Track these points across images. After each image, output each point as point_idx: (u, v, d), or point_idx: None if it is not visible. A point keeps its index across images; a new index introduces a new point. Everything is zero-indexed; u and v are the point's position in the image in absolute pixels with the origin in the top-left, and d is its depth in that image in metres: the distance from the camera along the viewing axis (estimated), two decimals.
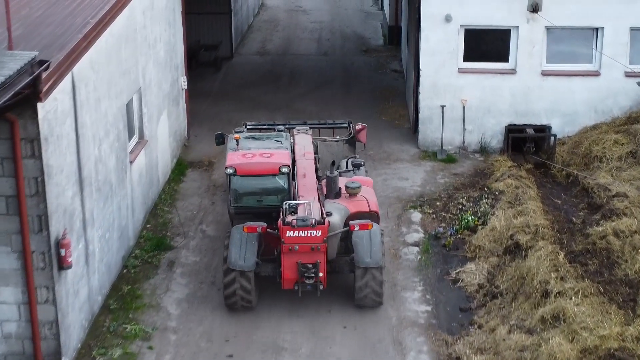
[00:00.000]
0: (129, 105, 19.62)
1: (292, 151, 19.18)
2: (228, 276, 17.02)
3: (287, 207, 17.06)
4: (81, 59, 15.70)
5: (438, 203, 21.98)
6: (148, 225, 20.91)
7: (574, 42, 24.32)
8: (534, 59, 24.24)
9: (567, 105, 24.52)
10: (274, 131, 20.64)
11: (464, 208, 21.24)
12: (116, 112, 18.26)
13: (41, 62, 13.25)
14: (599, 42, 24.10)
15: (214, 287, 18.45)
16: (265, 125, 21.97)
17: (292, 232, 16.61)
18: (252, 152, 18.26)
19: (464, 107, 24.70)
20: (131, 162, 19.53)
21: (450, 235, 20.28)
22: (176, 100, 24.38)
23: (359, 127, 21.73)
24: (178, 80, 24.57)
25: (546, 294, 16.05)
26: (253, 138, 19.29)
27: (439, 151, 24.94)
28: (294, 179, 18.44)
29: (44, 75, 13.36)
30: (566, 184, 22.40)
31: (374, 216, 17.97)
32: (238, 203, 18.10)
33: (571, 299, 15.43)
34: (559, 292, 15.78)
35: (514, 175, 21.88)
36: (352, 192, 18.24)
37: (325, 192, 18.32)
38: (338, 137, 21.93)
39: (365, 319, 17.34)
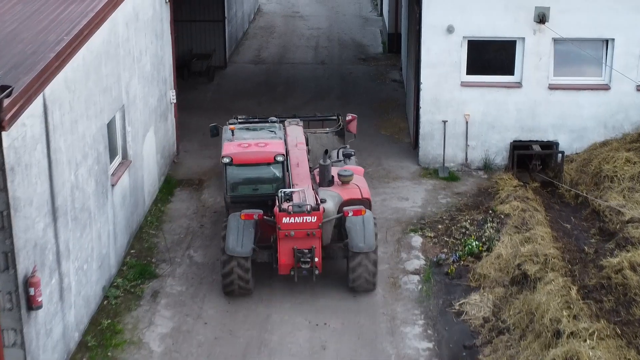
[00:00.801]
0: (110, 124, 18.41)
1: (285, 142, 19.46)
2: (226, 263, 17.39)
3: (283, 194, 17.42)
4: (54, 79, 14.50)
5: (440, 226, 20.77)
6: (132, 251, 19.69)
7: (583, 54, 23.10)
8: (540, 72, 23.04)
9: (575, 120, 23.31)
10: (267, 123, 20.87)
11: (467, 232, 20.02)
12: (96, 133, 17.04)
13: (3, 88, 12.03)
14: (609, 54, 22.89)
15: (199, 321, 17.23)
16: (256, 119, 22.13)
17: (288, 218, 17.00)
18: (248, 142, 18.65)
19: (466, 122, 23.50)
20: (113, 185, 18.30)
21: (453, 261, 19.06)
22: (164, 115, 23.16)
23: (349, 117, 22.16)
24: (166, 94, 23.35)
25: (558, 333, 14.80)
26: (247, 129, 19.68)
27: (440, 168, 23.73)
28: (287, 169, 18.68)
29: (6, 102, 12.13)
30: (575, 204, 21.21)
31: (365, 203, 18.42)
32: (234, 192, 18.46)
33: (585, 341, 14.18)
34: (571, 333, 14.53)
35: (520, 196, 20.68)
36: (345, 180, 18.77)
37: (318, 181, 18.85)
38: (327, 129, 22.36)
39: (363, 358, 16.13)
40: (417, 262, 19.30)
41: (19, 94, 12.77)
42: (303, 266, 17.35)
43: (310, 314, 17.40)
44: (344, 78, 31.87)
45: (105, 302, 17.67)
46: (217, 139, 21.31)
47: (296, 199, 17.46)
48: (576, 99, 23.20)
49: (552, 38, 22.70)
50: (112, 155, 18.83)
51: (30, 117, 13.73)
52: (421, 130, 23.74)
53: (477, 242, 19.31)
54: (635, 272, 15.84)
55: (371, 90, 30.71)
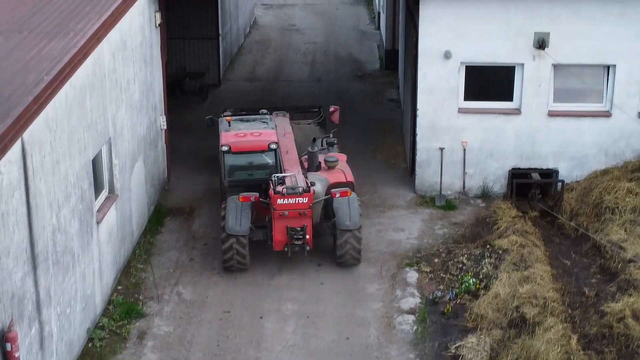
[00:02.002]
0: (96, 159, 17.84)
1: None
2: (225, 241, 19.12)
3: (276, 179, 19.28)
4: (33, 122, 13.92)
5: (436, 260, 20.19)
6: (119, 287, 19.11)
7: (584, 81, 22.52)
8: (540, 98, 22.45)
9: (575, 148, 22.73)
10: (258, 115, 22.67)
11: (464, 268, 19.43)
12: (79, 171, 16.45)
13: None
14: (610, 81, 22.31)
15: None
16: (244, 111, 23.98)
17: (282, 199, 18.84)
18: (244, 132, 20.59)
19: (464, 149, 22.91)
20: (99, 223, 17.72)
21: (450, 299, 18.49)
22: (154, 142, 22.57)
23: (331, 109, 24.05)
24: (156, 120, 22.76)
25: None
26: (242, 120, 21.62)
27: (437, 197, 23.15)
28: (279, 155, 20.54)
29: None
30: (575, 237, 20.60)
31: (349, 185, 20.39)
32: (231, 177, 20.30)
33: None
34: None
35: (518, 230, 20.09)
36: (331, 165, 20.92)
37: (307, 166, 20.86)
38: (310, 120, 24.28)
39: None
40: (413, 300, 18.72)
41: None
42: (296, 242, 19.15)
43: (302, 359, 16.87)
44: (340, 97, 31.25)
45: (89, 344, 17.09)
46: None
47: (289, 183, 19.35)
48: (576, 126, 22.62)
49: (552, 64, 22.12)
50: (98, 189, 18.26)
51: (7, 164, 13.16)
52: (418, 158, 23.16)
53: (474, 280, 18.72)
54: (638, 321, 15.25)
55: (367, 110, 30.12)
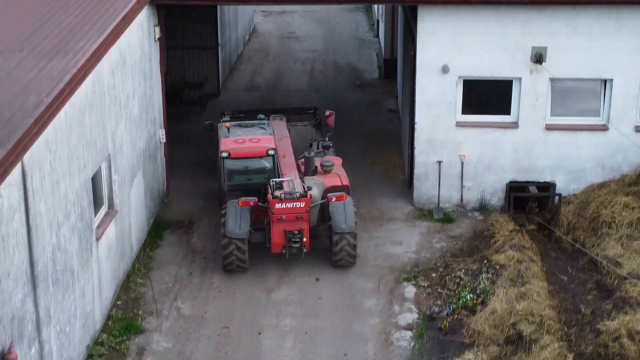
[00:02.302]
0: (95, 176, 17.94)
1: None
2: (225, 243, 19.79)
3: (274, 183, 19.87)
4: (34, 143, 14.03)
5: (434, 274, 20.29)
6: (119, 302, 19.22)
7: (581, 95, 22.65)
8: (537, 112, 22.57)
9: (572, 161, 22.85)
10: (254, 118, 23.35)
11: (461, 283, 19.54)
12: (79, 189, 16.56)
13: None
14: (607, 95, 22.43)
15: None
16: (242, 114, 24.65)
17: (280, 204, 19.48)
18: (243, 138, 21.21)
19: (462, 162, 23.03)
20: (98, 239, 17.83)
21: (447, 315, 18.60)
22: (153, 156, 22.68)
23: (327, 113, 24.64)
24: (156, 134, 22.87)
25: None
26: (241, 126, 22.18)
27: (435, 210, 23.26)
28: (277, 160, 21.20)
29: None
30: (572, 250, 20.71)
31: (345, 189, 21.01)
32: (231, 181, 20.95)
33: None
34: None
35: (515, 245, 20.19)
36: (327, 169, 21.51)
37: (303, 170, 21.41)
38: (306, 122, 24.89)
39: None
40: (410, 315, 18.82)
41: None
42: (293, 245, 19.80)
43: None
44: (339, 107, 31.31)
45: None
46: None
47: (286, 187, 19.95)
48: (574, 140, 22.73)
49: (549, 78, 22.24)
50: (98, 205, 18.36)
51: (7, 187, 13.27)
52: (416, 171, 23.27)
53: (471, 295, 18.84)
54: (633, 340, 15.36)
55: (366, 120, 30.21)
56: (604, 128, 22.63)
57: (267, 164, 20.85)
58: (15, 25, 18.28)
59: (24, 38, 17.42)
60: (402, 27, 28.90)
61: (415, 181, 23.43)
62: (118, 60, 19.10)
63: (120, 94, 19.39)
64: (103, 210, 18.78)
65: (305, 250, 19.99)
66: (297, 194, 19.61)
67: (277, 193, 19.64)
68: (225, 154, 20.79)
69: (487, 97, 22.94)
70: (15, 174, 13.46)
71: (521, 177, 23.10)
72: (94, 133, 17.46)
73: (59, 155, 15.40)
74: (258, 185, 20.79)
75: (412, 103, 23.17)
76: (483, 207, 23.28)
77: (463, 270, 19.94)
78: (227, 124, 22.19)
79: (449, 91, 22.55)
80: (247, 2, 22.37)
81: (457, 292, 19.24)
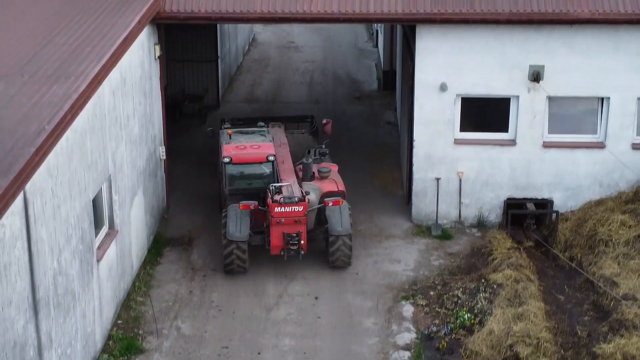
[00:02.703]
0: (96, 198, 18.08)
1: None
2: (227, 246, 20.60)
3: (273, 188, 20.79)
4: (36, 172, 14.18)
5: (432, 292, 20.44)
6: (119, 322, 19.35)
7: (578, 112, 22.81)
8: (534, 129, 22.74)
9: (570, 178, 23.02)
10: (253, 125, 24.16)
11: (459, 302, 19.68)
12: (80, 212, 16.71)
13: None
14: (604, 113, 22.59)
15: None
16: (241, 122, 25.40)
17: (279, 208, 20.37)
18: (244, 145, 22.02)
19: (460, 179, 23.19)
20: (99, 260, 17.98)
21: (445, 334, 18.74)
22: (154, 173, 22.82)
23: (324, 121, 25.52)
24: (156, 151, 23.01)
25: None
26: (241, 133, 22.95)
27: (433, 226, 23.41)
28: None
29: None
30: (569, 268, 20.87)
31: (341, 194, 21.86)
32: (232, 186, 21.75)
33: None
34: None
35: (513, 264, 20.33)
36: (324, 175, 22.31)
37: (301, 176, 22.26)
38: (303, 130, 25.88)
39: None
40: (408, 335, 18.97)
41: None
42: (291, 247, 20.68)
43: None
44: (337, 119, 31.46)
45: None
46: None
47: (285, 192, 20.80)
48: (571, 157, 22.90)
49: (547, 96, 22.40)
50: (98, 226, 18.50)
51: (10, 216, 13.40)
52: (414, 188, 23.44)
53: (469, 315, 18.99)
54: None
55: (365, 133, 30.36)
56: (601, 145, 22.78)
57: (266, 169, 21.60)
58: (17, 47, 18.40)
59: (25, 62, 17.54)
60: (401, 42, 29.06)
61: (413, 197, 23.59)
62: (119, 82, 19.25)
63: (121, 115, 19.54)
64: (104, 231, 18.92)
65: (302, 252, 20.81)
66: (296, 199, 20.48)
67: (277, 197, 20.48)
68: (227, 160, 21.55)
69: (485, 114, 23.10)
70: (17, 202, 13.60)
71: (519, 194, 23.27)
72: (94, 155, 17.60)
73: (60, 180, 15.54)
74: (258, 190, 21.57)
75: (411, 120, 23.34)
76: (481, 224, 23.44)
77: (461, 289, 20.09)
78: (229, 131, 22.90)
79: (447, 109, 22.70)
80: (247, 21, 22.40)
81: (454, 311, 19.38)
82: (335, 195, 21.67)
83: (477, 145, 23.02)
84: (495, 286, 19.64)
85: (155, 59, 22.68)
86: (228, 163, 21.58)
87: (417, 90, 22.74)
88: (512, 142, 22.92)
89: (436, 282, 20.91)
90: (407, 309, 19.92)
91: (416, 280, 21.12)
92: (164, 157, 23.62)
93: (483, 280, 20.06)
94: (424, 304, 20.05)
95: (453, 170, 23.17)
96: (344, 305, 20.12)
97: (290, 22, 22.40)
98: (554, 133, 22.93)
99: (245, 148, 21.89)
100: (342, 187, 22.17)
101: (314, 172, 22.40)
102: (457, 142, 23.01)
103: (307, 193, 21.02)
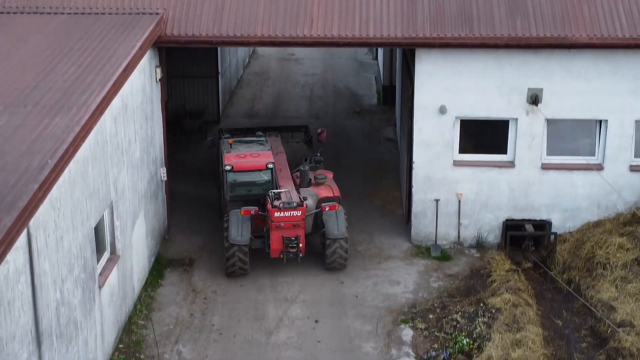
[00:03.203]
0: (98, 225, 18.22)
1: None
2: (229, 249, 21.60)
3: (273, 194, 21.85)
4: (39, 207, 14.33)
5: (431, 316, 20.60)
6: (120, 346, 19.50)
7: (576, 135, 22.97)
8: (533, 151, 22.90)
9: (568, 200, 23.17)
10: (251, 135, 25.12)
11: (458, 326, 19.84)
12: (82, 241, 16.86)
13: None
14: (602, 135, 22.75)
15: None
16: (239, 131, 26.25)
17: (279, 213, 21.48)
18: (244, 153, 23.03)
19: (459, 201, 23.35)
20: (101, 287, 18.13)
21: (444, 359, 18.91)
22: (155, 195, 22.98)
23: (319, 130, 26.65)
24: (157, 172, 23.16)
25: None
26: (241, 142, 23.96)
27: (432, 247, 23.58)
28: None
29: None
30: (567, 292, 21.02)
31: (336, 199, 22.81)
32: (233, 193, 22.69)
33: None
34: None
35: (511, 287, 20.50)
36: (320, 181, 23.36)
37: (298, 182, 23.31)
38: (298, 140, 26.97)
39: None
40: None
41: (0, 241, 12.58)
42: (290, 250, 21.71)
43: None
44: (338, 135, 31.67)
45: None
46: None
47: (284, 198, 21.90)
48: (569, 179, 23.06)
49: (545, 118, 22.56)
50: (100, 251, 18.63)
51: (13, 252, 13.55)
52: (413, 209, 23.59)
53: (467, 340, 19.15)
54: None
55: (364, 150, 30.50)
56: (599, 167, 22.94)
57: (265, 176, 22.57)
58: (20, 75, 18.52)
59: (28, 91, 17.67)
60: (400, 58, 29.21)
61: (413, 218, 23.74)
62: (120, 108, 19.40)
63: (122, 140, 19.69)
64: (105, 256, 19.07)
65: (301, 255, 21.89)
66: (294, 204, 21.56)
67: (276, 203, 21.56)
68: (228, 167, 22.48)
69: (484, 136, 23.25)
70: (20, 237, 13.74)
71: (517, 215, 23.42)
72: (96, 183, 17.75)
73: (62, 212, 15.69)
74: (257, 196, 22.55)
75: (410, 141, 23.49)
76: (480, 245, 23.60)
77: (460, 312, 20.24)
78: (230, 140, 23.88)
79: (447, 131, 22.86)
80: (248, 45, 22.59)
81: (453, 335, 19.54)
82: (331, 201, 22.57)
83: (476, 167, 23.17)
84: (493, 310, 19.79)
85: (156, 82, 22.83)
86: (229, 171, 22.47)
87: (416, 112, 22.89)
88: (511, 164, 23.08)
89: (435, 305, 21.06)
90: (407, 333, 20.07)
91: (415, 302, 21.27)
92: (165, 179, 23.77)
93: (482, 304, 20.21)
94: (423, 327, 20.20)
95: (452, 192, 23.32)
96: (344, 329, 20.27)
97: (291, 45, 22.58)
98: (553, 155, 23.09)
99: (246, 156, 22.83)
100: (337, 193, 23.10)
101: (310, 179, 23.34)
102: (457, 163, 23.16)
103: (305, 199, 22.01)
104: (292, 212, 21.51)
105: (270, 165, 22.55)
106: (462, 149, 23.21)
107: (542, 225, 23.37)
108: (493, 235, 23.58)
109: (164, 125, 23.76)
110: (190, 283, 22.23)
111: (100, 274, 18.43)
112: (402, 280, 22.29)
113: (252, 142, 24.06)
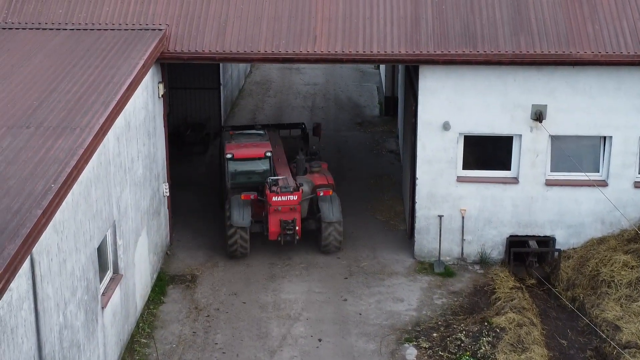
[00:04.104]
0: (101, 245, 18.13)
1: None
2: (231, 231, 23.08)
3: (271, 181, 23.35)
4: (43, 233, 14.24)
5: (435, 334, 20.51)
6: None
7: (580, 151, 22.89)
8: (537, 168, 22.81)
9: (572, 216, 23.09)
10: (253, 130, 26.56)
11: (462, 345, 19.74)
12: (85, 263, 16.77)
13: None
14: (606, 152, 22.67)
15: None
16: (240, 129, 27.01)
17: (277, 197, 22.96)
18: (244, 143, 24.58)
19: (462, 217, 23.27)
20: (103, 307, 18.04)
21: None
22: (157, 211, 22.89)
23: (315, 124, 28.36)
24: (159, 189, 23.08)
25: None
26: (242, 134, 25.68)
27: (436, 263, 23.49)
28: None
29: None
30: (571, 310, 20.93)
31: (330, 186, 24.24)
32: (233, 180, 24.12)
33: None
34: None
35: (516, 307, 20.41)
36: (315, 170, 24.94)
37: (295, 171, 24.71)
38: (295, 136, 28.32)
39: None
40: None
41: (4, 268, 12.50)
42: (288, 233, 23.16)
43: None
44: (339, 149, 31.61)
45: None
46: None
47: (281, 184, 23.35)
48: (573, 195, 22.98)
49: (549, 135, 22.48)
50: (102, 271, 18.55)
51: (17, 279, 13.47)
52: (417, 225, 23.51)
53: None
54: None
55: (367, 163, 30.42)
56: (603, 184, 22.86)
57: (264, 165, 24.03)
58: (23, 95, 18.42)
59: (31, 111, 17.57)
60: (402, 73, 29.13)
61: (416, 234, 23.66)
62: (123, 127, 19.31)
63: (125, 159, 19.60)
64: (108, 276, 18.97)
65: (297, 237, 23.34)
66: (291, 188, 23.07)
67: (274, 188, 23.03)
68: (229, 156, 23.92)
69: (487, 153, 23.18)
70: (24, 264, 13.66)
71: (521, 232, 23.34)
72: (99, 204, 17.67)
73: (65, 235, 15.60)
74: (256, 183, 23.97)
75: (413, 156, 23.41)
76: (483, 261, 23.52)
77: (464, 331, 20.13)
78: (231, 132, 25.64)
79: (450, 147, 22.78)
80: (251, 61, 22.56)
81: (458, 355, 19.44)
82: (326, 187, 23.95)
83: (479, 183, 23.09)
84: (498, 330, 19.70)
85: (159, 97, 22.74)
86: (230, 159, 23.86)
87: (419, 130, 22.80)
88: (515, 180, 22.99)
89: (439, 323, 20.97)
90: (411, 352, 19.98)
91: (419, 320, 21.17)
92: (168, 194, 23.69)
93: (486, 323, 20.12)
94: (427, 346, 20.11)
95: (456, 208, 23.24)
96: (348, 348, 20.17)
97: (294, 62, 22.50)
98: (556, 171, 23.01)
99: (246, 146, 24.38)
100: (331, 180, 24.57)
101: (306, 167, 24.86)
102: (460, 180, 23.08)
103: (301, 184, 23.52)
104: (289, 197, 22.89)
105: (269, 154, 23.97)
106: (466, 165, 23.13)
107: (546, 242, 23.29)
108: (497, 252, 23.50)
109: (166, 141, 23.68)
110: (193, 300, 22.13)
111: (103, 294, 18.34)
112: (406, 297, 22.20)
113: (252, 134, 25.68)
